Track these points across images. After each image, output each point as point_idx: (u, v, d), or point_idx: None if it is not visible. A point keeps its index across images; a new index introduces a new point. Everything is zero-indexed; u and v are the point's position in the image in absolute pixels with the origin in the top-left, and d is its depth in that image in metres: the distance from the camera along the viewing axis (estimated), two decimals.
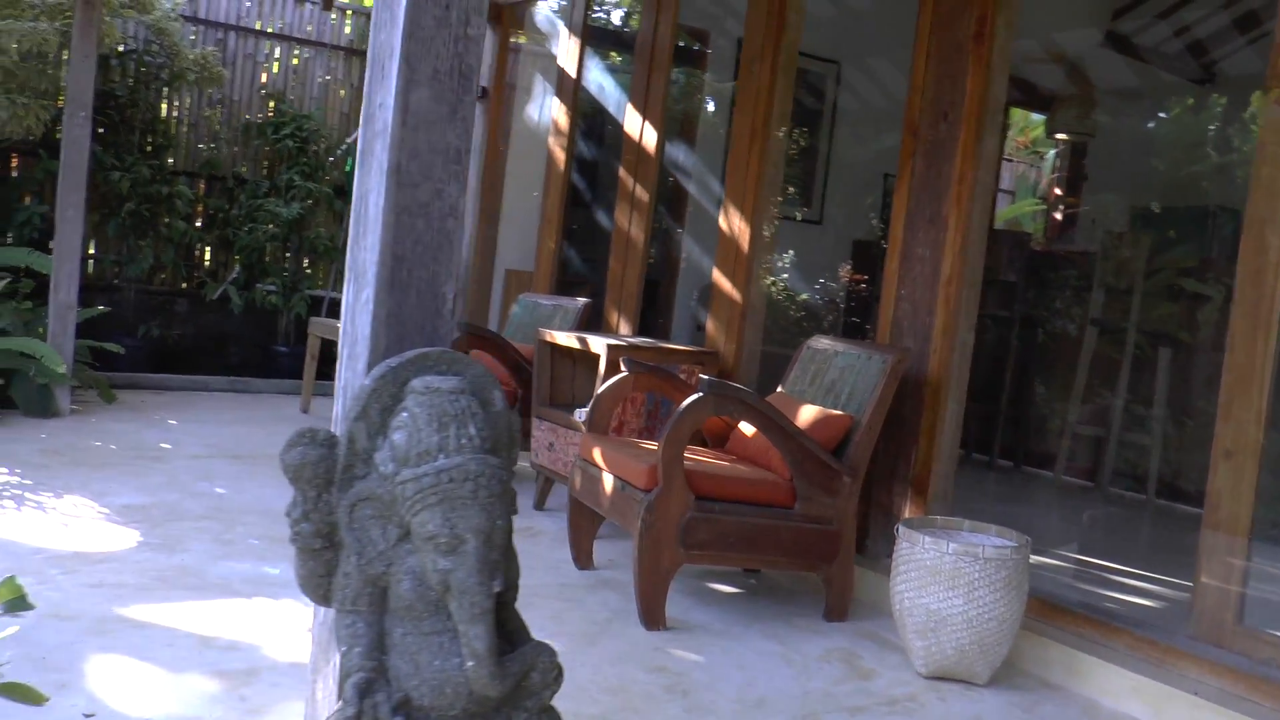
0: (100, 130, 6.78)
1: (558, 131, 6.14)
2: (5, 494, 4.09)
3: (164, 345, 7.20)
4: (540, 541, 4.35)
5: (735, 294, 4.67)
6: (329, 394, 6.17)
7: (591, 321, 5.39)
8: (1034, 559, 4.33)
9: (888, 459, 3.93)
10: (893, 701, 3.02)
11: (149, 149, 7.09)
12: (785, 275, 8.02)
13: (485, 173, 6.72)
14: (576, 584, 3.85)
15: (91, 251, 7.12)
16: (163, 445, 5.32)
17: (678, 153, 7.29)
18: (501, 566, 1.58)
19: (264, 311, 7.50)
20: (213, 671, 2.75)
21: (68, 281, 5.44)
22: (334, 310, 7.69)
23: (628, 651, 3.23)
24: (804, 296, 7.91)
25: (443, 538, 1.54)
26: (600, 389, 4.10)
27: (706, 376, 3.52)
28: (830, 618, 3.65)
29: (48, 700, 1.83)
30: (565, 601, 3.65)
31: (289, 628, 3.15)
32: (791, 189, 8.12)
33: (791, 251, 8.04)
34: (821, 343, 4.04)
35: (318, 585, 1.67)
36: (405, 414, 1.60)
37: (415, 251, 1.82)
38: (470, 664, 1.55)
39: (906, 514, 3.84)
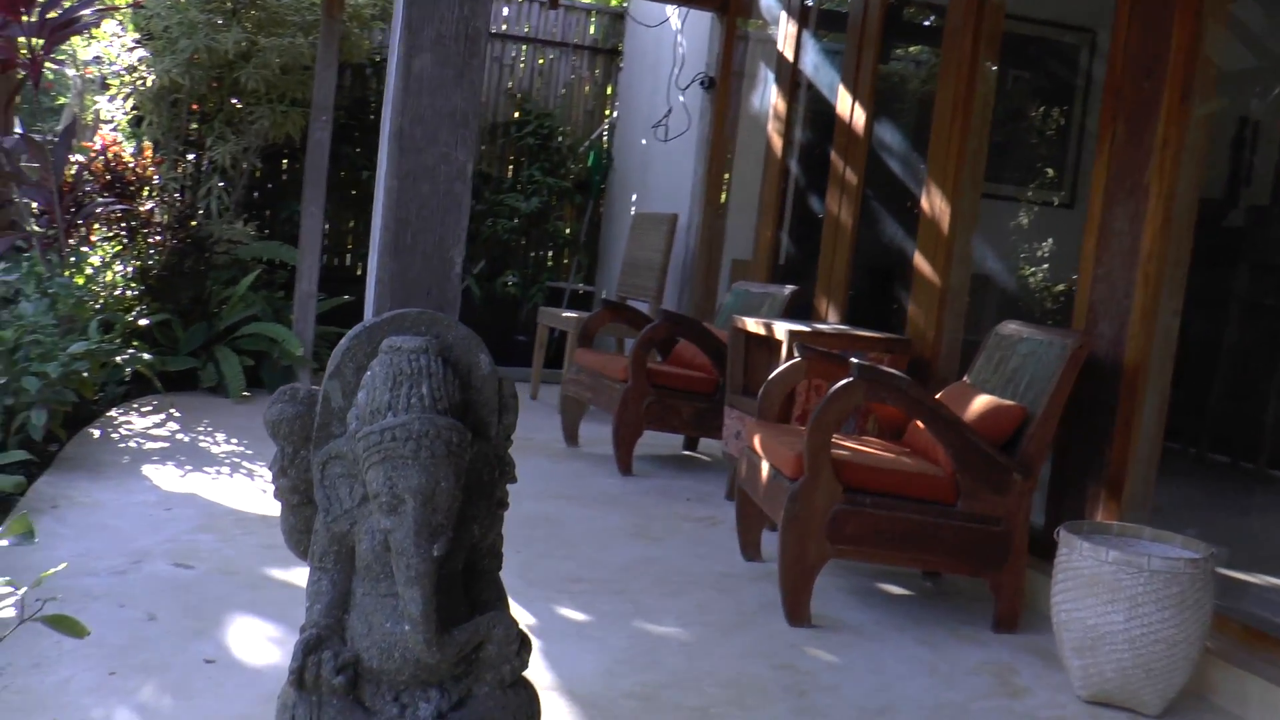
0: (355, 134, 7.32)
1: (776, 117, 6.00)
2: (226, 461, 4.47)
3: None
4: (719, 530, 4.26)
5: (935, 278, 4.38)
6: (558, 381, 6.35)
7: (801, 310, 5.23)
8: (1258, 579, 3.80)
9: (1079, 456, 3.55)
10: None
11: None
12: (1045, 265, 7.46)
13: (711, 163, 6.67)
14: (738, 574, 3.74)
15: (349, 246, 7.71)
16: None
17: (917, 137, 6.95)
18: (445, 530, 1.53)
19: (505, 301, 7.83)
20: None
21: (309, 272, 5.88)
22: (575, 302, 7.90)
23: (761, 646, 3.10)
24: (1060, 287, 7.32)
25: (384, 496, 1.52)
26: (772, 375, 3.96)
27: (857, 360, 3.31)
28: (999, 628, 3.34)
29: (89, 634, 1.97)
30: (719, 591, 3.55)
31: None
32: (1050, 171, 7.54)
33: (1050, 240, 7.47)
34: (1008, 328, 3.70)
35: (298, 540, 1.69)
36: (369, 373, 1.59)
37: (420, 216, 1.81)
38: (406, 628, 1.52)
39: (1099, 518, 3.45)
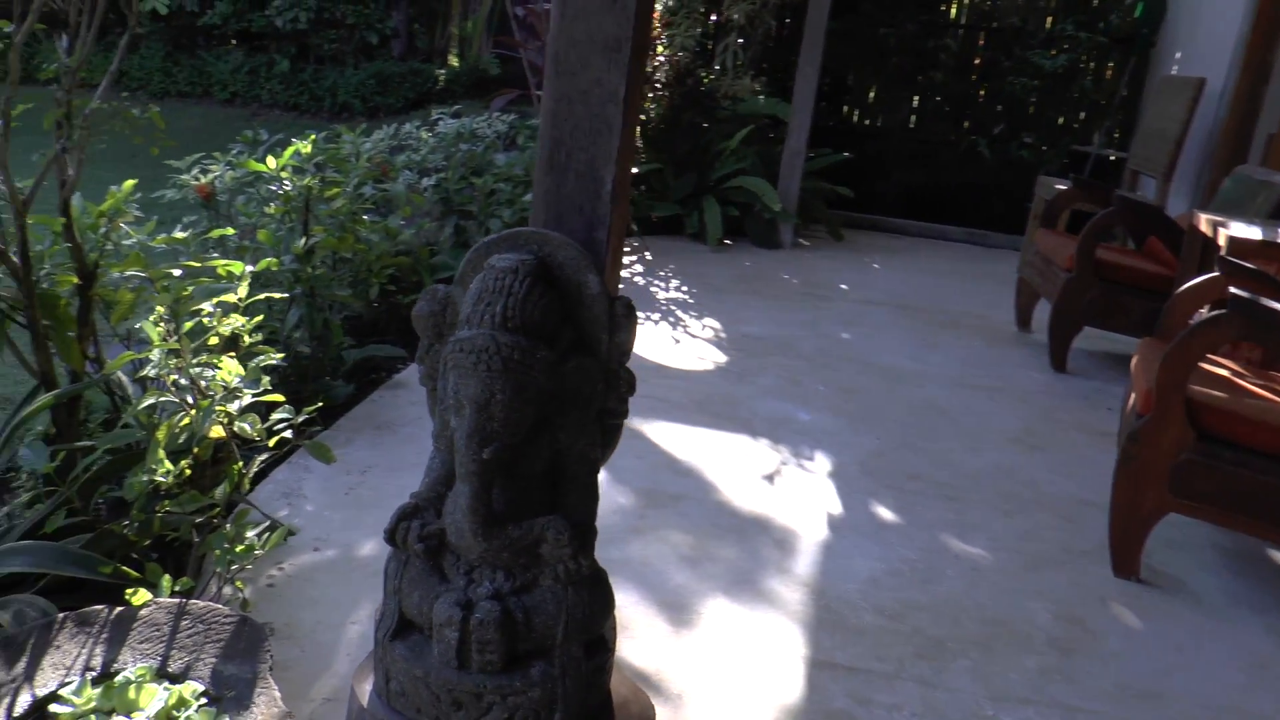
0: None
1: None
2: (661, 307, 4.89)
3: (917, 192, 7.52)
4: (1113, 451, 3.87)
5: None
6: None
7: None
8: None
9: None
10: None
11: (921, 5, 7.33)
12: None
13: (1259, 17, 5.59)
14: (1096, 504, 3.42)
15: (865, 101, 7.69)
16: (841, 286, 5.73)
17: None
18: (501, 436, 1.69)
19: (1019, 165, 7.36)
20: (639, 490, 3.16)
21: (799, 130, 6.03)
22: (1098, 169, 7.22)
23: (1063, 590, 2.87)
24: None
25: (450, 400, 1.73)
26: (1181, 288, 3.46)
27: (1238, 292, 2.78)
28: None
29: (334, 460, 2.44)
30: (1061, 519, 3.31)
31: (755, 464, 3.41)
32: None
33: None
34: None
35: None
36: (471, 285, 1.79)
37: (574, 136, 1.92)
38: (459, 515, 1.73)
39: None
